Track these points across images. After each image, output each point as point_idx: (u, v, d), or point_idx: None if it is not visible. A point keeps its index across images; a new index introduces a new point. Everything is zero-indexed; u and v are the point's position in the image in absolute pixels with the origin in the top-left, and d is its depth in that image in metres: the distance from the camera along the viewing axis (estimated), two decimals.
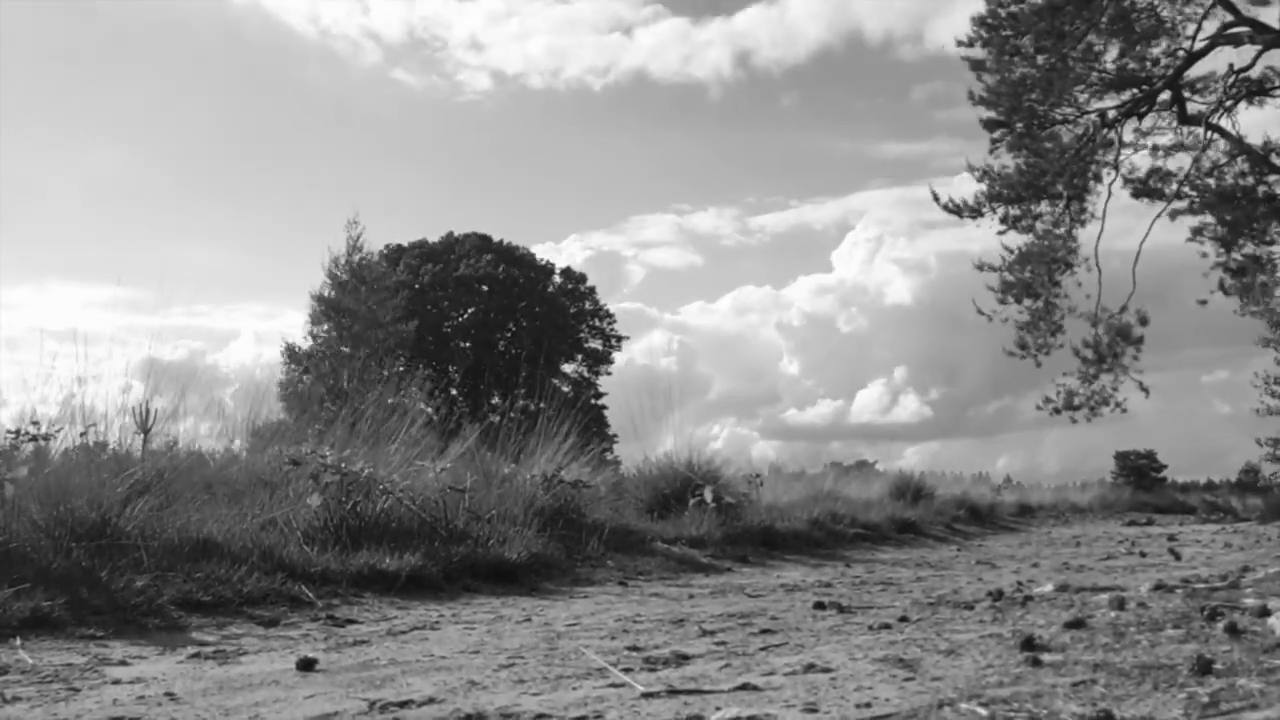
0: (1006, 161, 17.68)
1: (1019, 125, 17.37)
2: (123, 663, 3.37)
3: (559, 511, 7.55)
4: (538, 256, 43.27)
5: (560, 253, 58.62)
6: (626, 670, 3.06)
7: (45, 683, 3.00)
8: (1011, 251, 18.03)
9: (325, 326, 30.53)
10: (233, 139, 65.14)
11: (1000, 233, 17.96)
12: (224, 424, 7.37)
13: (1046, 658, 2.97)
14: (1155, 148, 17.53)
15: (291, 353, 30.73)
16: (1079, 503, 24.48)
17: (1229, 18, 15.70)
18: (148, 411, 5.92)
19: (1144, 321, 17.43)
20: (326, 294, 30.51)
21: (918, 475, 16.12)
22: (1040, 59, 16.68)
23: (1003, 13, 16.80)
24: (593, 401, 40.14)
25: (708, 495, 9.21)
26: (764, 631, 4.00)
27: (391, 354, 32.59)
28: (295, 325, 33.16)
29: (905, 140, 69.64)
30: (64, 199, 58.94)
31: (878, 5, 57.06)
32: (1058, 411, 18.27)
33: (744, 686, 2.75)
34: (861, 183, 75.05)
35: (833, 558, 9.11)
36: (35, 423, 5.37)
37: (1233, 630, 3.33)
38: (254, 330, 52.15)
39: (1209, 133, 16.88)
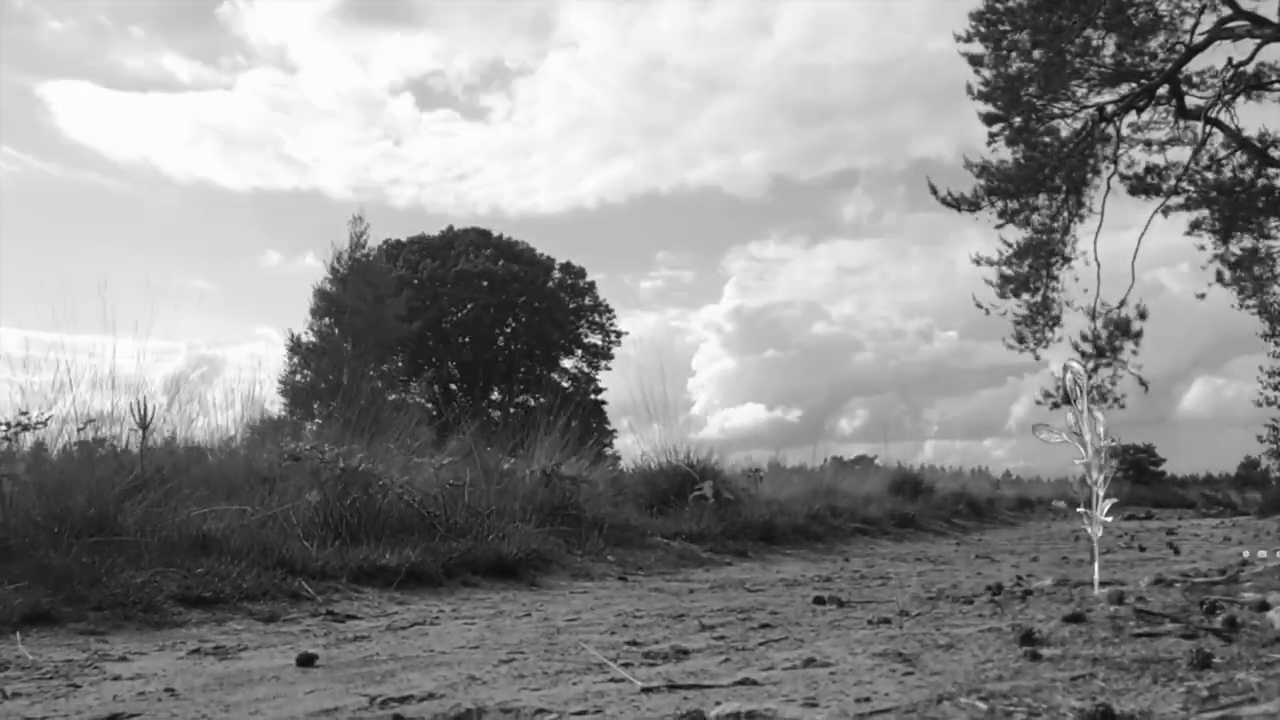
0: (1004, 155, 17.72)
1: (1017, 119, 17.39)
2: (123, 659, 3.37)
3: (558, 506, 7.55)
4: (536, 251, 43.24)
5: None
6: (626, 665, 3.06)
7: (45, 679, 3.00)
8: (1010, 246, 18.08)
9: (326, 320, 30.54)
10: None
11: (998, 226, 18.01)
12: (222, 418, 7.35)
13: (1045, 652, 2.98)
14: (1152, 142, 17.57)
15: (295, 345, 30.73)
16: (1078, 497, 24.41)
17: (1227, 11, 15.71)
18: (146, 407, 5.91)
19: (1143, 315, 17.49)
20: (328, 289, 30.50)
21: (916, 470, 16.14)
22: (1037, 53, 16.69)
23: (1000, 7, 16.81)
24: (592, 397, 40.17)
25: (707, 490, 9.22)
26: (763, 626, 4.00)
27: (392, 350, 32.63)
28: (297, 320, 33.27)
29: None
30: None
31: None
32: (1057, 406, 18.29)
33: (743, 681, 2.75)
34: None
35: (832, 552, 9.12)
36: (25, 413, 5.33)
37: (1231, 624, 3.33)
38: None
39: (1207, 127, 16.90)
